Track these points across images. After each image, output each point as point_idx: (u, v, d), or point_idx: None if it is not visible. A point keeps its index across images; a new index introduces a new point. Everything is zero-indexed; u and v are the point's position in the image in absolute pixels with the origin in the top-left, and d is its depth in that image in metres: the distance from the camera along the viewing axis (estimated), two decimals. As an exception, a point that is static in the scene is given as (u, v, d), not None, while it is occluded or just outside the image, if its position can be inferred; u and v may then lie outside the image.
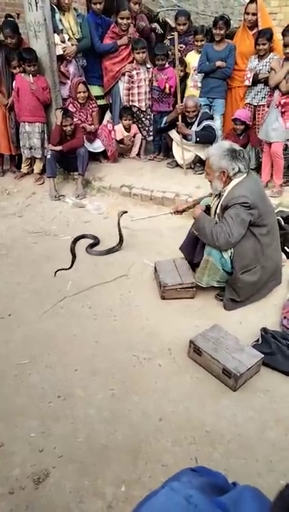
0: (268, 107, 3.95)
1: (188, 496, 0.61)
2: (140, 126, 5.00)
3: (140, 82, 4.75)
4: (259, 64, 4.16)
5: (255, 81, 4.18)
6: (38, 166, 4.64)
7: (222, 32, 4.30)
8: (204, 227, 2.51)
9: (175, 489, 0.63)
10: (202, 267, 2.61)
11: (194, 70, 4.70)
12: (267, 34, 4.01)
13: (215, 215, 2.64)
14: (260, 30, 4.13)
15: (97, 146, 4.80)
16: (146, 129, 5.04)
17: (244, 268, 2.49)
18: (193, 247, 2.82)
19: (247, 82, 4.26)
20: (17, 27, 4.28)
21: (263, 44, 4.03)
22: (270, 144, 3.94)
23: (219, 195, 2.59)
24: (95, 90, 4.78)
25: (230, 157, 2.42)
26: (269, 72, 3.99)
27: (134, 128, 4.91)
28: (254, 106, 4.34)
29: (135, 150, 5.04)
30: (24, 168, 4.73)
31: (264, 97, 4.20)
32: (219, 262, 2.53)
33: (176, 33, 4.12)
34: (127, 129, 4.85)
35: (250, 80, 4.20)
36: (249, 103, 4.39)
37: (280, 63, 3.78)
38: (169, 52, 4.63)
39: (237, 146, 2.55)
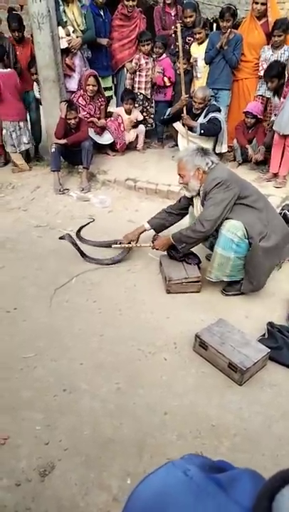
0: (284, 97, 3.74)
1: (186, 469, 0.64)
2: (145, 114, 5.06)
3: (148, 72, 4.88)
4: (273, 55, 4.05)
5: None
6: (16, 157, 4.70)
7: (229, 24, 4.19)
8: (184, 237, 2.60)
9: (176, 465, 0.67)
10: (212, 260, 2.61)
11: (195, 61, 4.67)
12: (283, 25, 3.89)
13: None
14: (276, 20, 4.00)
15: (107, 138, 4.79)
16: (152, 116, 5.14)
17: (260, 235, 2.48)
18: None
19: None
20: (22, 20, 4.47)
21: (279, 36, 3.94)
22: (284, 136, 3.81)
23: (198, 194, 2.63)
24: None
25: (202, 154, 2.53)
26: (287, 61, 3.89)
27: (135, 112, 4.89)
28: (267, 98, 4.25)
29: (140, 144, 5.01)
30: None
31: None
32: (230, 249, 2.48)
33: (178, 25, 4.05)
34: (128, 112, 4.86)
35: None
36: (262, 95, 4.30)
37: None
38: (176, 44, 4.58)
39: (202, 146, 2.68)
